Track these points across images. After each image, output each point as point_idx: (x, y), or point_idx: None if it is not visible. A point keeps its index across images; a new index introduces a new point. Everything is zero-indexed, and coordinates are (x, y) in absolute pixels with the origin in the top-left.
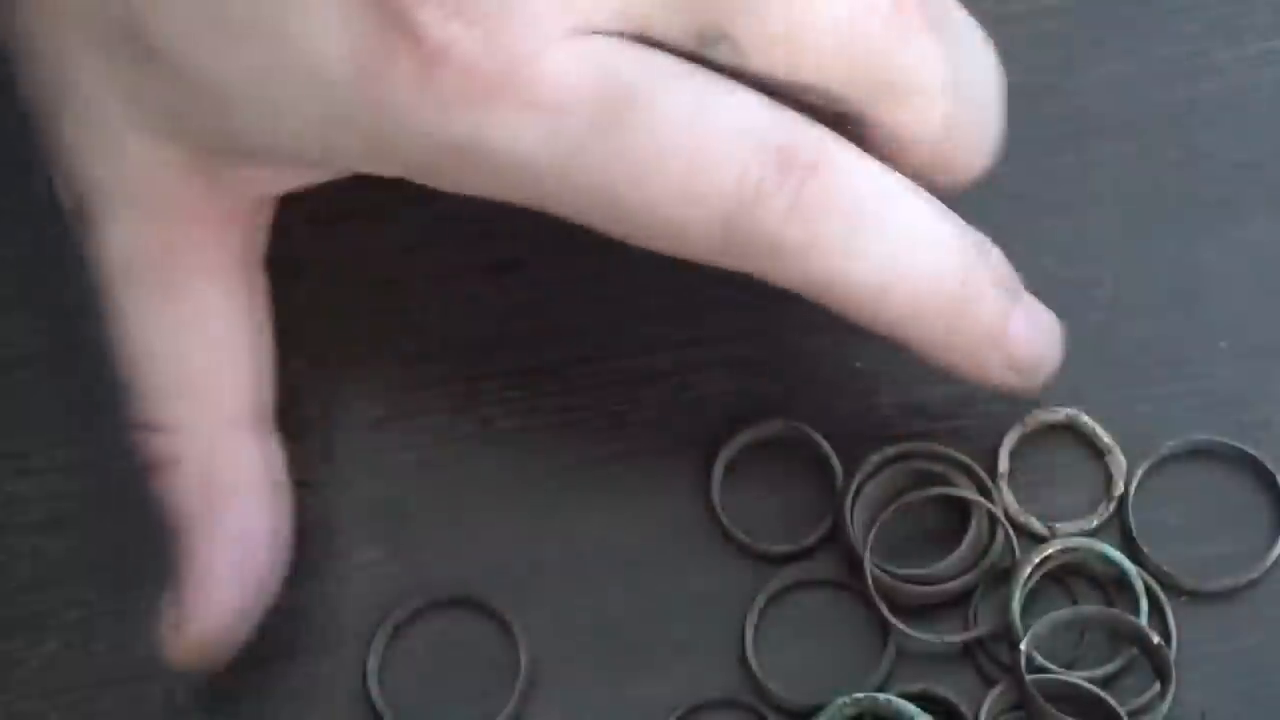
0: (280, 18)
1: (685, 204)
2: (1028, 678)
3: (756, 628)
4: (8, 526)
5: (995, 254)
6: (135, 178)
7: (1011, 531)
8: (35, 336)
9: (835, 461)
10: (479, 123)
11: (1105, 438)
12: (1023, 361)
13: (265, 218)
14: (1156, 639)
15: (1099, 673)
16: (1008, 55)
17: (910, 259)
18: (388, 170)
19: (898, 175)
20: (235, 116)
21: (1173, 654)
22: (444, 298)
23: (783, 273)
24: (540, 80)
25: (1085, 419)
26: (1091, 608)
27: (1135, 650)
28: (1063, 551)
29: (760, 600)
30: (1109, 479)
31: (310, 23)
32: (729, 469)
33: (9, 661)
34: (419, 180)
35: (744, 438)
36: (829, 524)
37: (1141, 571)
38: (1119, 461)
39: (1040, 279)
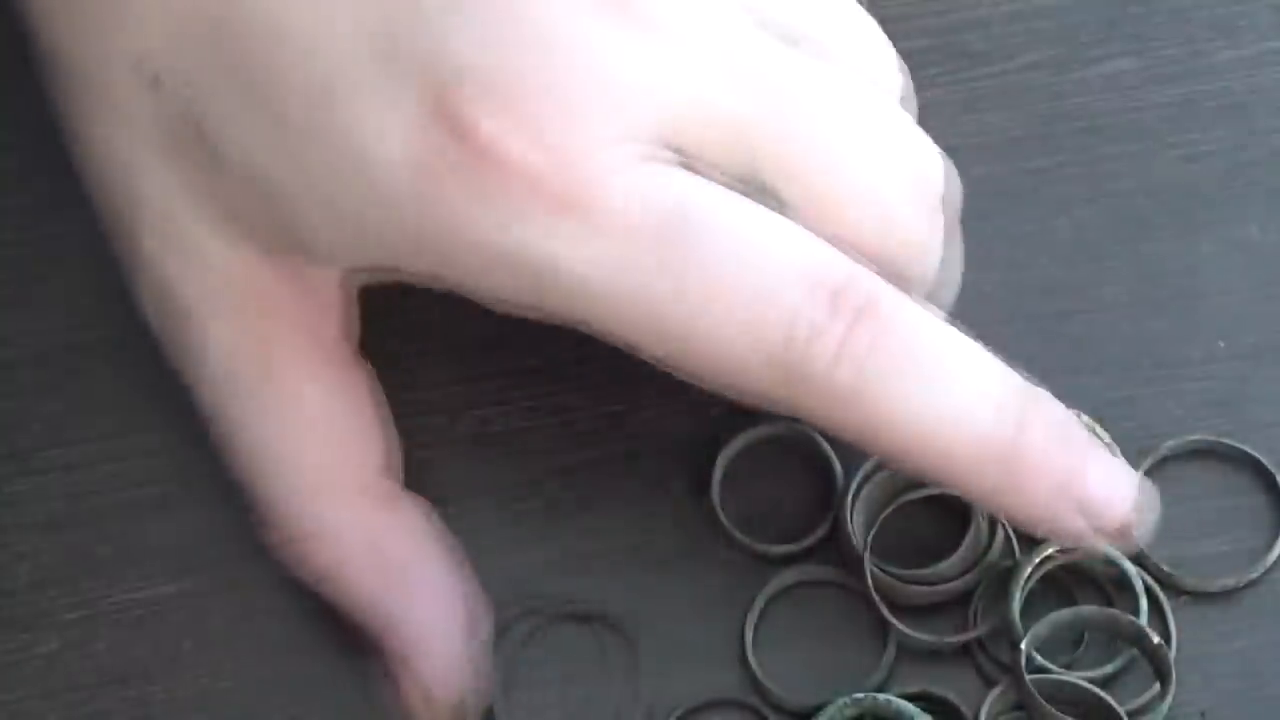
0: (339, 122)
1: (742, 340)
2: (1028, 677)
3: (756, 628)
4: (8, 526)
5: (1051, 402)
6: (218, 282)
7: (1011, 531)
8: (35, 336)
9: (835, 461)
10: (537, 237)
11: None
12: (1098, 510)
13: (353, 302)
14: (1156, 639)
15: (1099, 673)
16: (1008, 55)
17: (961, 405)
18: (438, 279)
19: (945, 322)
20: (297, 219)
21: (1173, 654)
22: (444, 298)
23: (835, 417)
24: (601, 199)
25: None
26: (1091, 608)
27: (1135, 651)
28: (1062, 551)
29: (760, 601)
30: None
31: (369, 127)
32: (729, 469)
33: (9, 661)
34: (468, 292)
35: (744, 438)
36: (829, 524)
37: (1141, 571)
38: None
39: (1040, 279)
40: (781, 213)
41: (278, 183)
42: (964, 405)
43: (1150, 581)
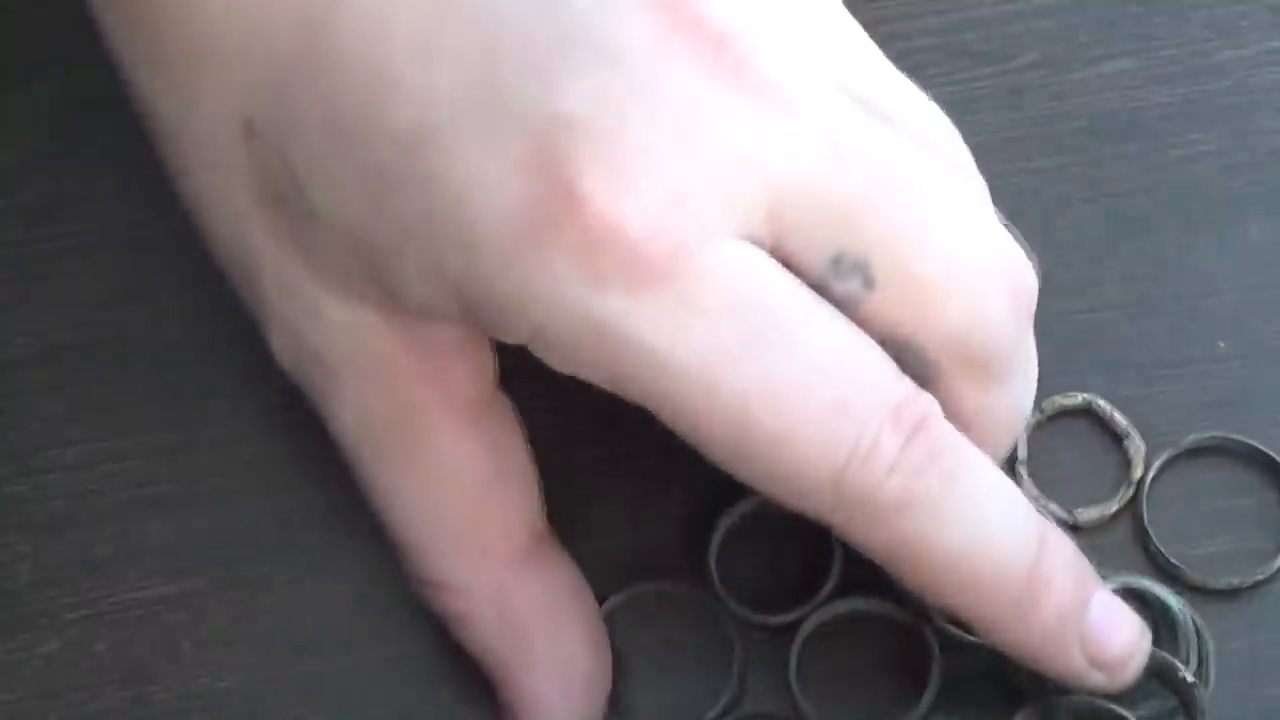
0: (431, 168)
1: (813, 447)
2: (1055, 699)
3: (797, 662)
4: (8, 526)
5: (1068, 545)
6: (343, 339)
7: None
8: (35, 336)
9: None
10: (627, 308)
11: (1123, 421)
12: (1101, 652)
13: (482, 354)
14: (1190, 676)
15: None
16: (1008, 55)
17: (990, 533)
18: (513, 337)
19: (979, 450)
20: (389, 272)
21: (1209, 692)
22: None
23: (872, 531)
24: (694, 275)
25: (1102, 403)
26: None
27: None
28: (1121, 591)
29: (796, 645)
30: (1128, 464)
31: (463, 174)
32: (724, 547)
33: (9, 661)
34: (541, 355)
35: (743, 506)
36: (834, 580)
37: (1186, 608)
38: (1138, 446)
39: (1041, 279)
40: (869, 291)
41: (368, 232)
42: (993, 533)
43: (1199, 622)
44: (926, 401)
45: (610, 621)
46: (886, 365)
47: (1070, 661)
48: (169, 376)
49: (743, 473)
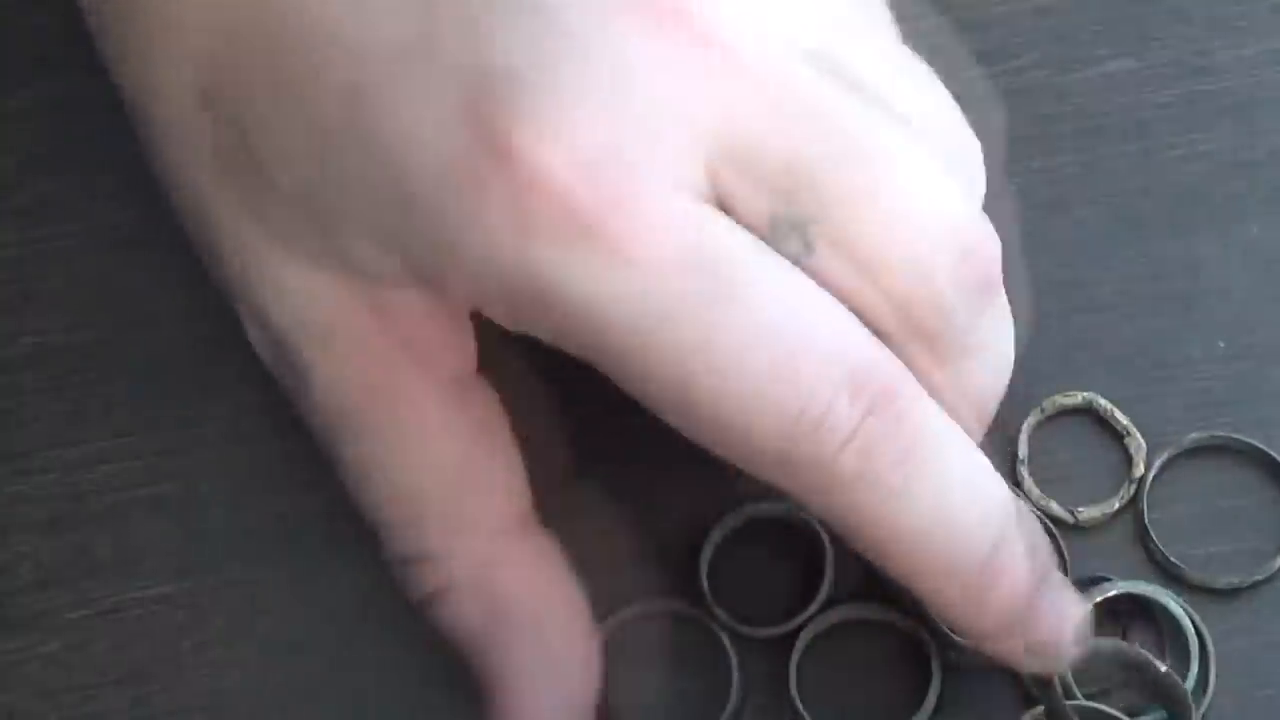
0: (369, 123)
1: (755, 406)
2: (1066, 703)
3: (798, 666)
4: (8, 527)
5: (1036, 528)
6: (309, 314)
7: (1053, 526)
8: (35, 336)
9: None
10: (561, 260)
11: (1123, 420)
12: (1042, 642)
13: (456, 329)
14: (1167, 671)
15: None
16: (1008, 55)
17: (954, 511)
18: (454, 293)
19: (956, 425)
20: (337, 232)
21: (1207, 701)
22: None
23: (829, 502)
24: (633, 226)
25: (1103, 401)
26: (1108, 640)
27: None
28: (1124, 596)
29: (796, 653)
30: (1128, 462)
31: (399, 128)
32: (715, 562)
33: (9, 661)
34: (486, 312)
35: (732, 519)
36: (824, 593)
37: (1189, 610)
38: (1138, 444)
39: (1040, 279)
40: (807, 255)
41: (316, 194)
42: (955, 513)
43: (1199, 623)
44: (894, 370)
45: (607, 644)
46: (851, 330)
47: (1008, 642)
48: (169, 376)
49: (691, 432)
